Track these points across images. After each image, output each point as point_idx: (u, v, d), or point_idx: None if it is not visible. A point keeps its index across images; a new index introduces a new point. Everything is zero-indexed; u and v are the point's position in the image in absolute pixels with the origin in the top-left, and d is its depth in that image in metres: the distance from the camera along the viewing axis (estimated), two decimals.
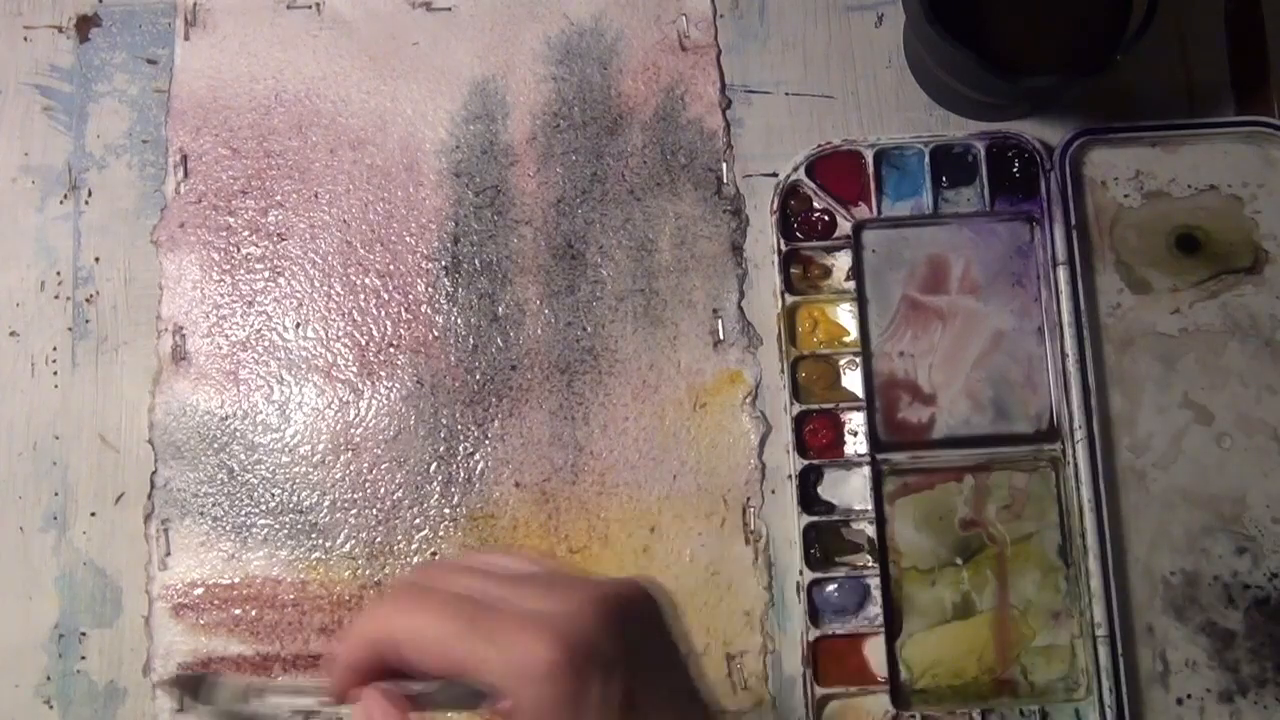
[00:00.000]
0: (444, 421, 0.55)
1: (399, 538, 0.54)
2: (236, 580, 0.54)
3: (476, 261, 0.56)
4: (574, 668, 0.30)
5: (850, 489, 0.54)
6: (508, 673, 0.30)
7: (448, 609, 0.31)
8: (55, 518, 0.54)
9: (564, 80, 0.57)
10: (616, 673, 0.31)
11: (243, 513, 0.54)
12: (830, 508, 0.54)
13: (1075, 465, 0.53)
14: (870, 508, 0.53)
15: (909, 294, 0.55)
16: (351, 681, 0.33)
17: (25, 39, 0.58)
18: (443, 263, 0.56)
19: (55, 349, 0.56)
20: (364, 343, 0.56)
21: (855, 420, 0.54)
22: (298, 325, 0.56)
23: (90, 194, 0.57)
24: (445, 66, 0.58)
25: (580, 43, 0.58)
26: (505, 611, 0.31)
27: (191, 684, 0.37)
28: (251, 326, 0.56)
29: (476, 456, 0.54)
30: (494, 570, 0.34)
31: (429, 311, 0.56)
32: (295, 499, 0.54)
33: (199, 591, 0.53)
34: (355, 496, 0.54)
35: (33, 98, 0.58)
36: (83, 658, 0.53)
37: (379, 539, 0.54)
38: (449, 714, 0.36)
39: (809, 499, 0.53)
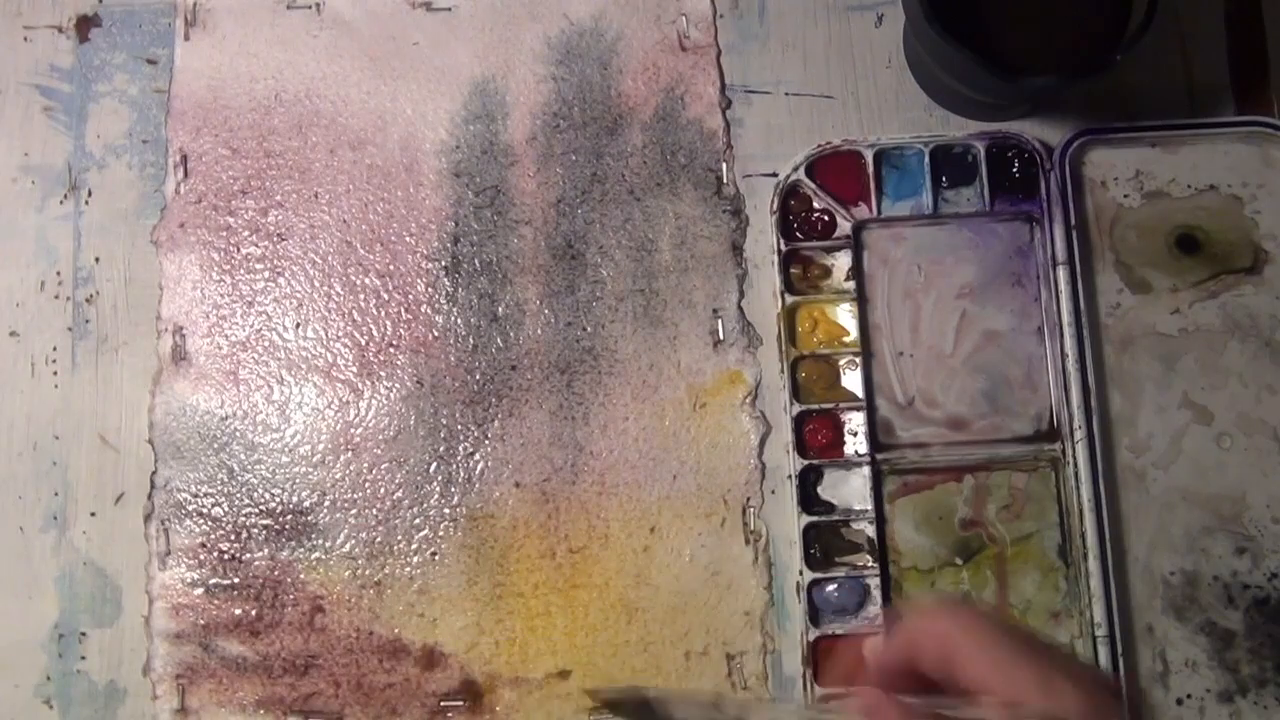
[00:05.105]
0: (444, 421, 0.55)
1: (399, 538, 0.54)
2: (236, 580, 0.54)
3: (476, 261, 0.56)
4: None
5: (850, 489, 0.54)
6: (1069, 705, 0.30)
7: (1012, 631, 0.32)
8: (55, 518, 0.54)
9: (564, 80, 0.57)
10: None
11: (243, 513, 0.54)
12: (830, 508, 0.54)
13: (1075, 465, 0.53)
14: (870, 508, 0.53)
15: (908, 293, 0.55)
16: (883, 682, 0.33)
17: (25, 39, 0.58)
18: (443, 263, 0.56)
19: (55, 349, 0.56)
20: (364, 343, 0.56)
21: (855, 420, 0.54)
22: (298, 325, 0.56)
23: (90, 194, 0.57)
24: (445, 66, 0.58)
25: (580, 43, 0.58)
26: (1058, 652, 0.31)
27: (638, 707, 0.36)
28: (251, 326, 0.56)
29: (476, 456, 0.54)
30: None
31: (429, 311, 0.56)
32: (295, 499, 0.54)
33: (199, 591, 0.53)
34: (355, 496, 0.54)
35: (33, 98, 0.58)
36: (83, 658, 0.53)
37: (379, 539, 0.54)
38: None
39: (809, 499, 0.53)
